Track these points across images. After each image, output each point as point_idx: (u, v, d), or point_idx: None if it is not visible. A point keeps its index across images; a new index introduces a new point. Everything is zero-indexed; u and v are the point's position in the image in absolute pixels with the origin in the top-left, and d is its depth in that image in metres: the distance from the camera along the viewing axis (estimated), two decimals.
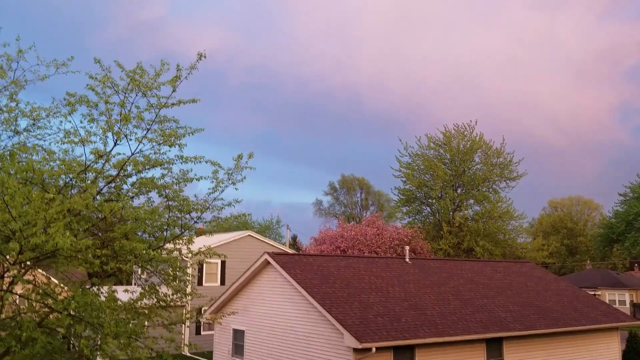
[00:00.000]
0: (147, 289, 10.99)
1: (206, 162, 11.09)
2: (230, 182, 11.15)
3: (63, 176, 10.15)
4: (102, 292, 10.04)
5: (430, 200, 51.63)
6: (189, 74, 11.01)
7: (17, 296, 9.89)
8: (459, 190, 50.77)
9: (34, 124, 10.97)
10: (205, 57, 11.11)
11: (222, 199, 11.20)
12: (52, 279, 12.30)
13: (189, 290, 12.40)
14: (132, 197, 10.72)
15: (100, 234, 11.33)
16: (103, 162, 10.24)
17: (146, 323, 10.98)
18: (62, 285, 10.74)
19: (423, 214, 52.99)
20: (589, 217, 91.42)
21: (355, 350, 16.35)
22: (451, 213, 49.35)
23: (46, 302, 9.33)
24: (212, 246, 11.51)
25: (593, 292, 54.75)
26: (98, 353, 9.54)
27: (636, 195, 64.74)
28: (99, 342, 9.41)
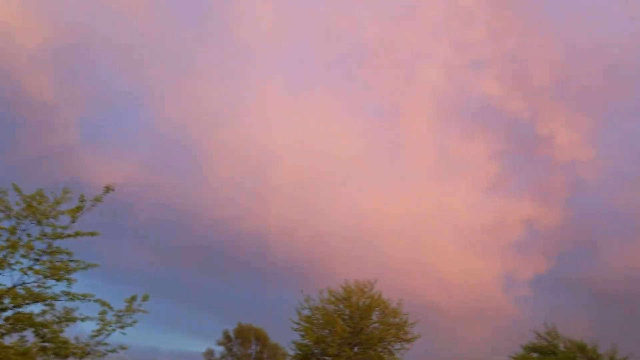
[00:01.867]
0: None
1: (95, 302, 10.33)
2: (118, 325, 10.37)
3: None
4: None
5: (326, 358, 50.20)
6: (93, 205, 10.65)
7: None
8: (355, 349, 49.99)
9: None
10: (113, 190, 10.86)
11: (106, 343, 10.30)
12: None
13: None
14: (4, 334, 9.57)
15: None
16: None
17: None
18: None
19: None
20: None
21: None
22: None
23: None
24: None
25: None
26: None
27: None
28: None
